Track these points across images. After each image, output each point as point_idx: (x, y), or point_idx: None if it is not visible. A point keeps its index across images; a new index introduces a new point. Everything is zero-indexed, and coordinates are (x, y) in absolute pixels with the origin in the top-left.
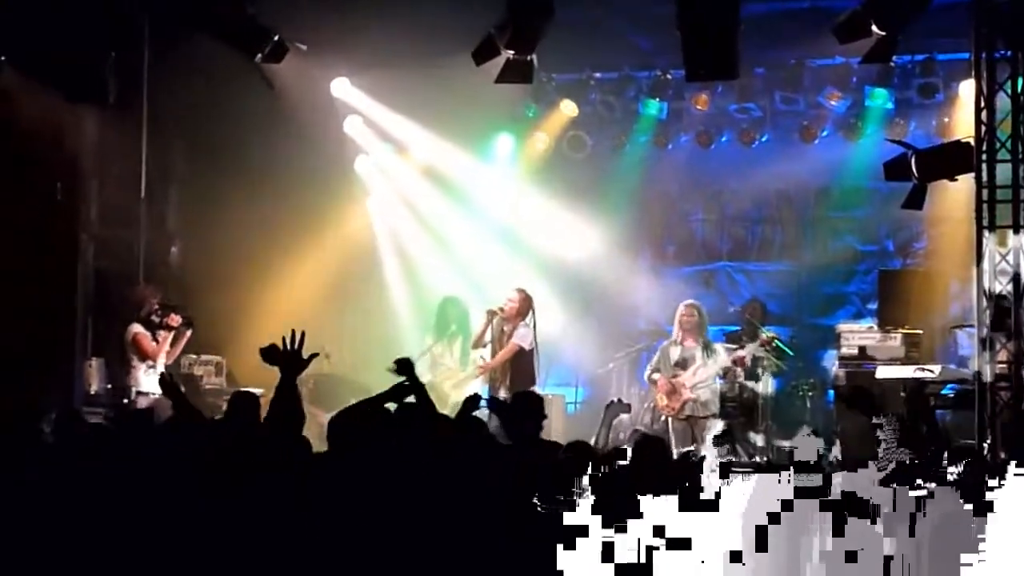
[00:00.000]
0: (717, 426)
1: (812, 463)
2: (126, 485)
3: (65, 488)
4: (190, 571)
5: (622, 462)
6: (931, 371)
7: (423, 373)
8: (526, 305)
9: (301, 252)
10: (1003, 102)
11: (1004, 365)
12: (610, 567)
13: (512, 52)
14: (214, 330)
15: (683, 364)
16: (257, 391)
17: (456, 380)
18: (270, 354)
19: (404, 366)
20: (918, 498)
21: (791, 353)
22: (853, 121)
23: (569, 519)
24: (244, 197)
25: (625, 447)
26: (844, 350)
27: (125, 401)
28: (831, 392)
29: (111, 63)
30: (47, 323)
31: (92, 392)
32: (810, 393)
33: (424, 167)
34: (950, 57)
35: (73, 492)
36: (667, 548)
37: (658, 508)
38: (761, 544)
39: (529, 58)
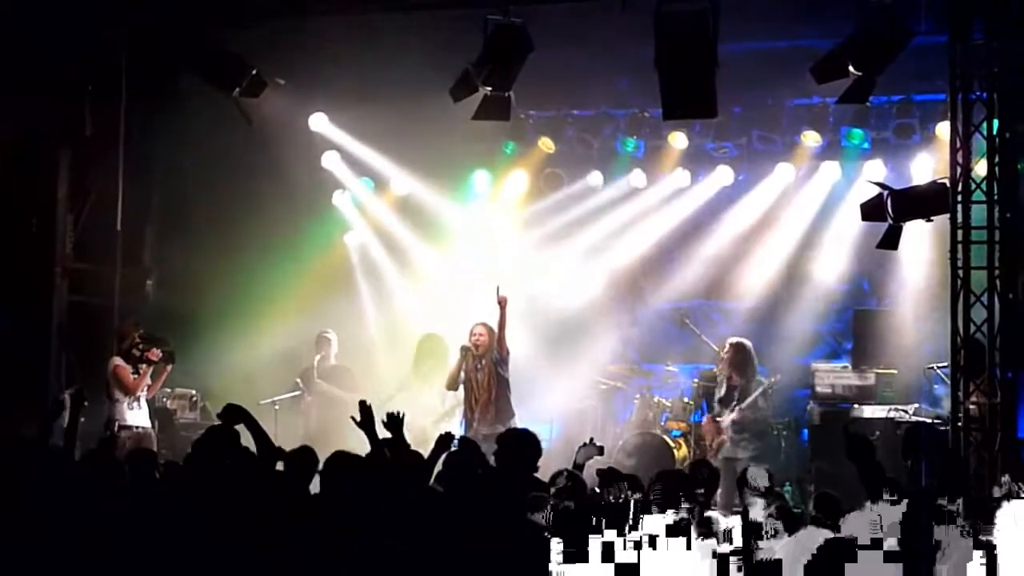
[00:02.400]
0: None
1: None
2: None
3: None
4: None
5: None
6: (905, 411)
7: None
8: (494, 337)
9: (277, 286)
10: (979, 143)
11: (977, 405)
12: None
13: (490, 89)
14: (189, 364)
15: (725, 401)
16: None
17: (436, 417)
18: (229, 415)
19: (393, 422)
20: None
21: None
22: (829, 161)
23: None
24: (220, 231)
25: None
26: (819, 389)
27: (108, 435)
28: (805, 431)
29: (89, 96)
30: (21, 356)
31: (65, 426)
32: (784, 432)
33: (401, 203)
34: (926, 98)
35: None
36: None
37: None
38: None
39: (507, 95)
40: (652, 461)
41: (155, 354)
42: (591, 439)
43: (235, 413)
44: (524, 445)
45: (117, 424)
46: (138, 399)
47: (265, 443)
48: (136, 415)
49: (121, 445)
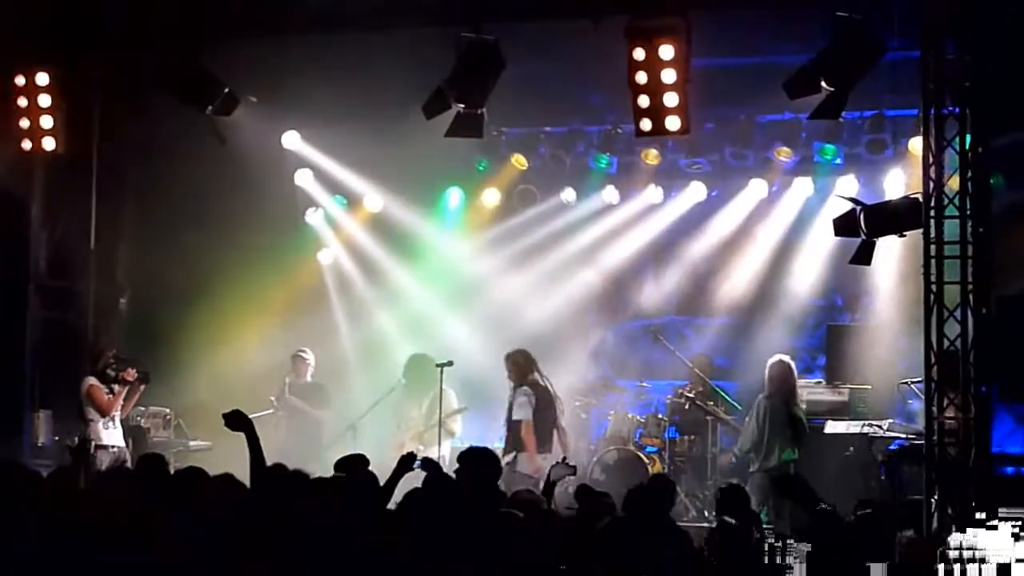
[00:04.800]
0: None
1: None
2: None
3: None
4: None
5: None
6: (879, 426)
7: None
8: (517, 370)
9: (250, 303)
10: (951, 158)
11: (952, 420)
12: None
13: (462, 106)
14: (162, 383)
15: None
16: (205, 444)
17: (416, 433)
18: (234, 420)
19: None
20: None
21: (739, 407)
22: (802, 176)
23: None
24: (194, 248)
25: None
26: None
27: (84, 453)
28: None
29: (62, 114)
30: None
31: (39, 444)
32: None
33: (374, 220)
34: (899, 113)
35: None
36: None
37: None
38: None
39: (479, 112)
40: (626, 477)
41: (130, 374)
42: (564, 458)
43: (239, 420)
44: (482, 463)
45: (94, 444)
46: (112, 419)
47: (258, 459)
48: (111, 435)
49: (98, 465)
